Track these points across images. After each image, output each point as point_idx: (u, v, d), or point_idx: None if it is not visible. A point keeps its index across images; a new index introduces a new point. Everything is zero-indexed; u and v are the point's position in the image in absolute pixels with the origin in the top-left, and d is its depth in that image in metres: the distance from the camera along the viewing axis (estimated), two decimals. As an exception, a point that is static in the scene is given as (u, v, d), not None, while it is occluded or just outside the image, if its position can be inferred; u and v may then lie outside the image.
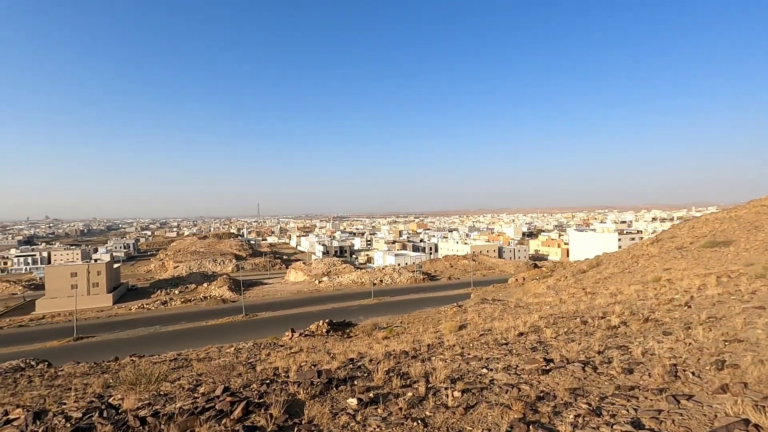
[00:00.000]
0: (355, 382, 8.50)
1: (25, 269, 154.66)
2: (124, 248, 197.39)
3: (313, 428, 6.24)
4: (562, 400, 6.71)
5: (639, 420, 5.73)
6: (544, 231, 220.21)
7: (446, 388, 7.53)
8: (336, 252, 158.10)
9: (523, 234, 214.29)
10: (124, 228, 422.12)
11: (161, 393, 9.87)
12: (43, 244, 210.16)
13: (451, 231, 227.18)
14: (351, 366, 10.86)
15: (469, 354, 11.32)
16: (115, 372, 18.05)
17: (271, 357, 19.01)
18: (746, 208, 47.17)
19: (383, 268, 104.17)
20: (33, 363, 23.93)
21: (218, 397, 7.88)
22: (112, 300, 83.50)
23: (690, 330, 10.55)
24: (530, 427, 5.65)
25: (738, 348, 8.56)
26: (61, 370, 20.47)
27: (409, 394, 7.39)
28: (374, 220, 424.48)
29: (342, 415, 6.60)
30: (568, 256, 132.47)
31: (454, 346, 13.34)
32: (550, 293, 33.83)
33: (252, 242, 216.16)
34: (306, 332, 33.34)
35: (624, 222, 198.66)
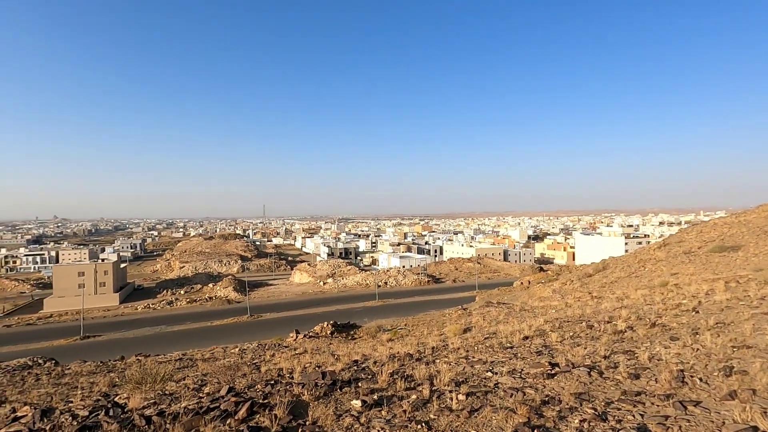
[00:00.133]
0: (360, 384, 8.50)
1: (34, 268, 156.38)
2: (131, 248, 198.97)
3: (317, 429, 6.24)
4: (567, 404, 6.66)
5: (645, 426, 5.68)
6: (550, 234, 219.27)
7: (450, 391, 7.51)
8: (341, 254, 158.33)
9: (529, 237, 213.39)
10: (131, 228, 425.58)
11: (166, 392, 9.92)
12: (52, 244, 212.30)
13: (456, 233, 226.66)
14: (355, 368, 10.86)
15: (473, 357, 11.28)
16: (121, 371, 18.17)
17: (275, 358, 19.05)
18: (755, 212, 46.63)
19: (388, 270, 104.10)
20: (40, 361, 24.14)
21: (223, 397, 7.91)
22: (119, 299, 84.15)
23: (698, 335, 10.43)
24: (535, 431, 5.62)
25: (747, 354, 8.45)
26: (68, 369, 20.64)
27: (414, 396, 7.38)
28: (379, 222, 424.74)
29: (346, 416, 6.60)
30: (574, 259, 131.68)
31: (458, 349, 13.30)
32: (556, 297, 33.62)
33: (257, 243, 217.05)
34: (310, 333, 33.37)
35: (631, 226, 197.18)
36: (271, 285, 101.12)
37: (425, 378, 8.77)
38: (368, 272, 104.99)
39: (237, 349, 25.76)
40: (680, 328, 11.85)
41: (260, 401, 7.44)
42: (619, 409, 6.37)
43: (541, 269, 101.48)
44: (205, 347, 30.00)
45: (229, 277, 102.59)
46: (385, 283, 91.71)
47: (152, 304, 78.67)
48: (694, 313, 13.79)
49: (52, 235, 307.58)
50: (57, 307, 77.84)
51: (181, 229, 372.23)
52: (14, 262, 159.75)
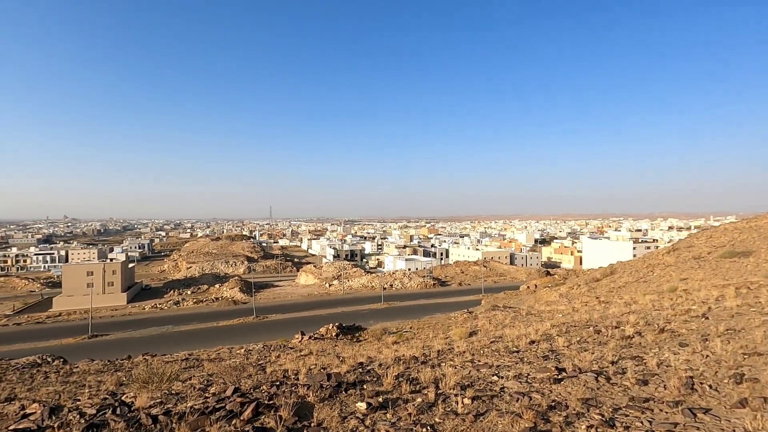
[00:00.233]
0: (365, 387, 8.49)
1: (44, 267, 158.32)
2: (139, 248, 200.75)
3: (322, 431, 6.25)
4: (574, 410, 6.60)
5: (654, 433, 5.61)
6: (557, 238, 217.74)
7: (456, 395, 7.47)
8: (347, 256, 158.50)
9: (536, 241, 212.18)
10: (140, 228, 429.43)
11: (173, 392, 9.98)
12: (62, 243, 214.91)
13: (462, 237, 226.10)
14: (360, 370, 10.85)
15: (479, 361, 11.22)
16: (128, 370, 18.32)
17: (281, 359, 19.11)
18: (767, 218, 45.98)
19: (393, 273, 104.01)
20: (49, 359, 24.42)
21: (228, 397, 7.94)
22: (127, 299, 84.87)
23: (707, 342, 10.29)
24: (541, 436, 5.57)
25: (758, 362, 8.32)
26: (76, 367, 20.85)
27: (419, 399, 7.36)
28: (385, 225, 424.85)
29: (351, 419, 6.59)
30: (581, 264, 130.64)
31: (464, 352, 13.24)
32: (563, 301, 33.37)
33: (264, 244, 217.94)
34: (316, 335, 33.41)
35: (639, 230, 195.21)
36: (277, 286, 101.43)
37: (431, 381, 8.74)
38: (374, 274, 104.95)
39: (243, 350, 25.86)
40: (689, 334, 11.70)
41: (265, 402, 7.46)
42: (626, 416, 6.30)
43: (548, 273, 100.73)
44: (211, 347, 30.16)
45: (236, 277, 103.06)
46: (391, 285, 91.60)
47: (159, 304, 79.24)
48: (703, 319, 13.61)
49: (62, 234, 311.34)
50: (66, 306, 78.69)
51: (188, 230, 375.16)
52: (25, 261, 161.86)
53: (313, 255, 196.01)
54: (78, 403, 9.46)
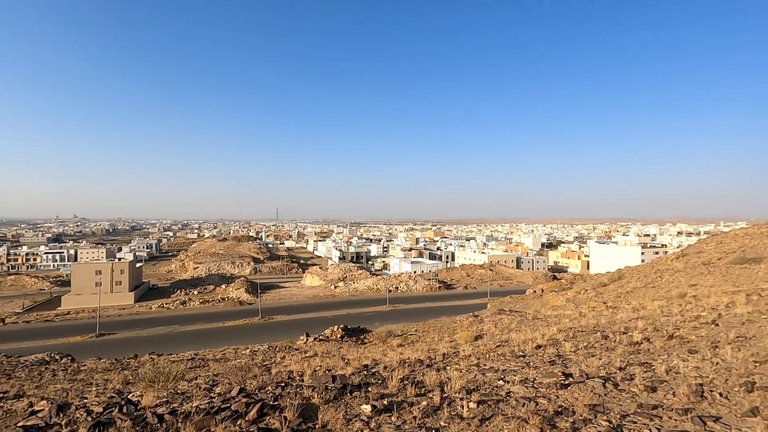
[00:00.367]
0: (369, 389, 8.47)
1: (53, 266, 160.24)
2: (147, 248, 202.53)
3: (326, 433, 6.24)
4: (581, 416, 6.53)
5: (662, 440, 5.53)
6: (564, 242, 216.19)
7: (461, 399, 7.43)
8: (352, 258, 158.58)
9: (543, 245, 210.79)
10: (148, 228, 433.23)
11: (179, 391, 10.03)
12: (71, 242, 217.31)
13: (468, 240, 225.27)
14: (365, 372, 10.83)
15: (485, 365, 11.15)
16: (135, 369, 18.44)
17: (286, 360, 19.13)
18: (779, 223, 45.29)
19: (399, 275, 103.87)
20: (57, 357, 24.65)
21: (234, 397, 7.96)
22: (134, 298, 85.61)
23: (717, 349, 10.14)
24: (548, 442, 5.52)
25: (769, 370, 8.18)
26: (84, 365, 21.03)
27: (424, 403, 7.32)
28: (391, 227, 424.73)
29: (356, 421, 6.58)
30: (588, 268, 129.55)
31: (469, 356, 13.17)
32: (570, 306, 33.10)
33: (270, 246, 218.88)
34: (321, 337, 33.42)
35: (648, 235, 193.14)
36: (282, 287, 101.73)
37: (436, 384, 8.70)
38: (379, 277, 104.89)
39: (248, 351, 25.93)
40: (699, 341, 11.54)
41: (271, 403, 7.47)
42: (635, 423, 6.22)
43: (555, 278, 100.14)
44: (217, 348, 30.27)
45: (242, 278, 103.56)
46: (396, 288, 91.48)
47: (166, 303, 79.80)
48: (713, 325, 13.42)
49: (72, 234, 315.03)
50: (74, 305, 79.54)
51: (195, 231, 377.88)
52: (35, 260, 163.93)
53: (318, 257, 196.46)
54: (85, 401, 9.55)
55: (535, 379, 9.02)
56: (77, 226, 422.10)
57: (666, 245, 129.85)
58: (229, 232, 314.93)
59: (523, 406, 7.08)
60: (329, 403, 7.51)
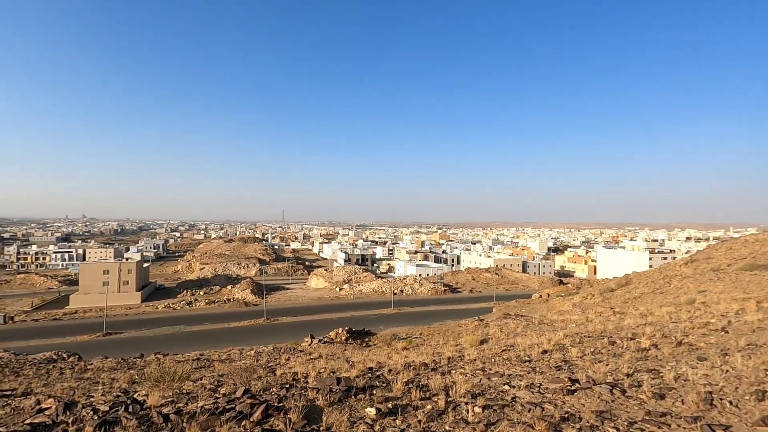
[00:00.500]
0: (374, 392, 8.44)
1: (62, 265, 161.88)
2: (154, 248, 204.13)
3: (330, 435, 6.22)
4: (588, 422, 6.46)
5: (671, 449, 5.45)
6: (570, 247, 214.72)
7: (467, 403, 7.38)
8: (358, 260, 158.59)
9: (549, 249, 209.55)
10: (155, 229, 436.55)
11: (184, 391, 10.07)
12: (80, 242, 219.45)
13: (474, 243, 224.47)
14: (370, 375, 10.81)
15: (490, 369, 11.08)
16: (141, 368, 18.55)
17: (290, 362, 19.15)
18: (790, 230, 44.63)
19: (404, 278, 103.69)
20: (65, 355, 24.89)
21: (239, 398, 7.97)
22: (141, 298, 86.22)
23: (727, 356, 9.99)
24: (554, 448, 5.46)
25: (781, 378, 8.04)
26: (91, 364, 21.21)
27: (429, 406, 7.28)
28: (397, 230, 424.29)
29: (360, 424, 6.55)
30: (595, 273, 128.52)
31: (475, 360, 13.10)
32: (576, 311, 32.83)
33: (276, 247, 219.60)
34: (325, 339, 33.44)
35: (656, 240, 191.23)
36: (287, 289, 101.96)
37: (440, 388, 8.66)
38: (384, 279, 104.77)
39: (253, 352, 26.00)
40: (708, 348, 11.38)
41: (275, 404, 7.46)
42: (642, 430, 6.14)
43: (561, 282, 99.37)
44: (222, 348, 30.39)
45: (247, 279, 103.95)
46: (401, 291, 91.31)
47: (172, 303, 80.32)
48: (723, 333, 13.23)
49: (81, 233, 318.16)
50: (82, 304, 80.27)
51: (202, 231, 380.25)
52: (44, 259, 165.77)
53: (324, 259, 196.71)
54: (92, 399, 9.61)
55: (541, 384, 8.94)
56: (86, 225, 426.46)
57: (674, 251, 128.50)
58: (236, 234, 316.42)
59: (529, 411, 7.02)
60: (334, 406, 7.50)
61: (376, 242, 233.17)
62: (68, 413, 7.60)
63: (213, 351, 28.41)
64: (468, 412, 6.88)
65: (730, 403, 6.99)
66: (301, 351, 26.62)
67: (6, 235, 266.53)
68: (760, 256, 37.61)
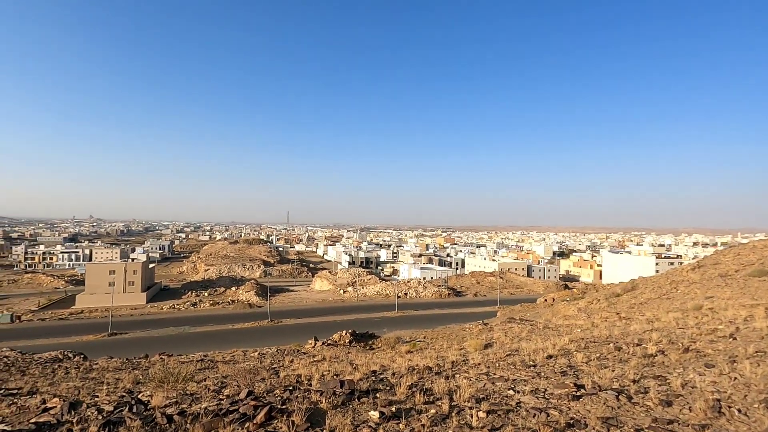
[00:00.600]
0: (378, 395, 8.41)
1: (69, 265, 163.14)
2: (160, 249, 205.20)
3: (334, 439, 6.20)
4: (593, 429, 6.39)
5: (678, 457, 5.37)
6: (576, 251, 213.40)
7: (471, 408, 7.33)
8: (362, 263, 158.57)
9: (554, 253, 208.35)
10: (161, 230, 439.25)
11: (188, 392, 10.08)
12: (86, 242, 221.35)
13: (478, 247, 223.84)
14: (373, 378, 10.77)
15: (494, 374, 11.01)
16: (145, 369, 18.63)
17: (294, 364, 19.15)
18: (800, 236, 44.10)
19: (408, 281, 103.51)
20: (70, 355, 25.06)
21: (242, 400, 7.98)
22: (146, 299, 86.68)
23: (735, 363, 9.86)
24: (559, 455, 5.40)
25: (790, 386, 7.92)
26: (96, 364, 21.33)
27: (432, 411, 7.24)
28: (401, 233, 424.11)
29: (363, 427, 6.53)
30: (601, 278, 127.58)
31: (479, 364, 13.02)
32: (582, 316, 32.59)
33: (280, 249, 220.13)
34: (329, 341, 33.41)
35: (662, 245, 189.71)
36: (292, 291, 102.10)
37: (444, 392, 8.61)
38: (388, 282, 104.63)
39: (257, 353, 26.03)
40: (716, 354, 11.23)
41: (278, 407, 7.46)
42: (649, 437, 6.06)
43: (566, 287, 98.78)
44: (226, 350, 30.45)
45: (252, 281, 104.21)
46: (405, 294, 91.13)
47: (177, 304, 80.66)
48: (731, 339, 13.06)
49: (87, 234, 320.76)
50: (88, 304, 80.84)
51: (207, 233, 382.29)
52: (51, 259, 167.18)
53: (328, 261, 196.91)
54: (96, 399, 9.65)
55: (546, 389, 8.87)
56: (93, 226, 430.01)
57: (681, 256, 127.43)
58: (241, 235, 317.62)
59: (533, 416, 6.96)
60: (337, 409, 7.48)
61: (381, 245, 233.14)
62: (73, 413, 7.63)
63: (217, 352, 28.49)
64: (472, 417, 6.83)
65: (739, 411, 6.89)
66: (304, 353, 26.62)
67: (14, 235, 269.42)
68: (769, 262, 37.15)
